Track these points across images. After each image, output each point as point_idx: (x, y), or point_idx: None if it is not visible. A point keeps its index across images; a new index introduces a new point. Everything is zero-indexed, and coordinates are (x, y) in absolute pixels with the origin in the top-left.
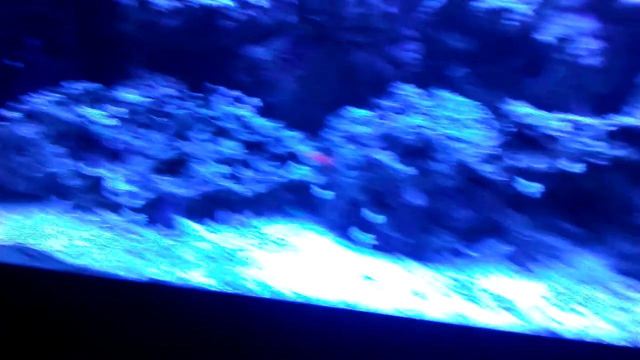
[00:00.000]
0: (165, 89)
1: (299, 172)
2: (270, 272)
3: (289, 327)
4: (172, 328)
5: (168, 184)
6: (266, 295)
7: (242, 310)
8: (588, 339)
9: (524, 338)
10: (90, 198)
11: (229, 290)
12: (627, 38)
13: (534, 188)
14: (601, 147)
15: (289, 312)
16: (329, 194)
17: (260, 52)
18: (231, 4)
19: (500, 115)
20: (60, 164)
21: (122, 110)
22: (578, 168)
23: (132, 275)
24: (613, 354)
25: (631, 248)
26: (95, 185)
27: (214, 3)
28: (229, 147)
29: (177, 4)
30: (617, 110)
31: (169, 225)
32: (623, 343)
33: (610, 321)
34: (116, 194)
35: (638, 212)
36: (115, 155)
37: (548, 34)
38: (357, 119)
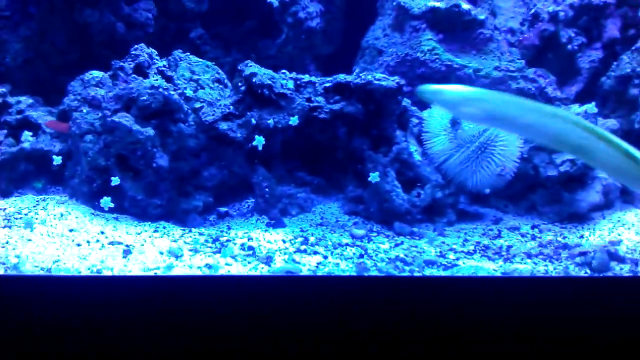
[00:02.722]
0: None
1: (31, 140)
2: (10, 249)
3: (33, 303)
4: None
5: None
6: (5, 272)
7: None
8: (321, 273)
9: (265, 279)
10: None
11: None
12: (342, 2)
13: (257, 141)
14: (320, 102)
15: (31, 287)
16: (58, 160)
17: None
18: None
19: (234, 74)
20: None
21: None
22: (293, 121)
23: None
24: (341, 282)
25: (355, 191)
26: None
27: None
28: None
29: None
30: (338, 68)
31: None
32: (351, 273)
33: (339, 256)
34: None
35: (359, 159)
36: None
37: None
38: (91, 81)
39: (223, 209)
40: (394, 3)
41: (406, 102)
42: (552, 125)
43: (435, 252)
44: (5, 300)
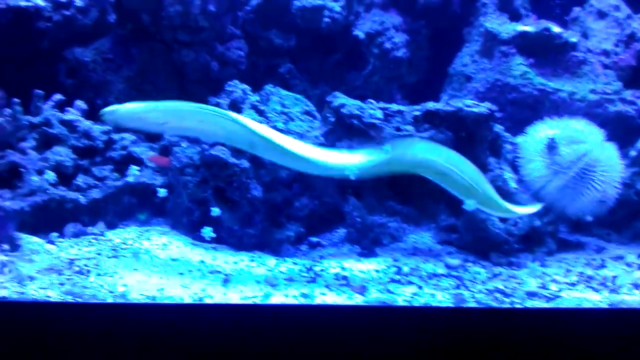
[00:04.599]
0: None
1: (136, 175)
2: (117, 278)
3: (140, 330)
4: (15, 344)
5: None
6: (114, 300)
7: (86, 319)
8: (417, 304)
9: (360, 310)
10: None
11: (69, 299)
12: (428, 30)
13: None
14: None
15: (138, 315)
16: (163, 192)
17: (82, 53)
18: (42, 4)
19: (322, 106)
20: None
21: None
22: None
23: None
24: (438, 315)
25: (448, 220)
26: None
27: (23, 4)
28: (58, 154)
29: None
30: (426, 96)
31: (1, 239)
32: (448, 304)
33: (435, 287)
34: None
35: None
36: None
37: (360, 30)
38: None
39: (314, 239)
40: (481, 29)
41: (498, 128)
42: (227, 127)
43: (536, 283)
44: (113, 327)
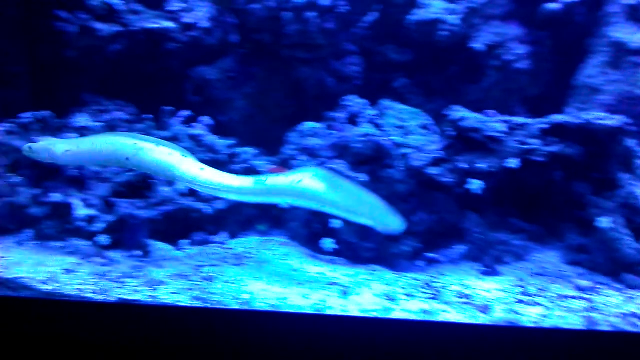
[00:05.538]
0: (116, 112)
1: None
2: (239, 285)
3: (263, 337)
4: (146, 346)
5: (129, 206)
6: (237, 307)
7: (214, 324)
8: (545, 325)
9: (485, 329)
10: (52, 225)
11: (199, 304)
12: (551, 42)
13: (475, 185)
14: (537, 144)
15: (262, 321)
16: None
17: (207, 72)
18: (172, 25)
19: (441, 120)
20: (19, 192)
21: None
22: (514, 163)
23: (100, 297)
24: (569, 337)
25: (577, 239)
26: (55, 212)
27: (154, 26)
28: None
29: (119, 29)
30: (548, 109)
31: (134, 246)
32: (578, 327)
33: (564, 309)
34: (77, 219)
35: (580, 204)
36: (72, 180)
37: (479, 42)
38: (308, 132)
39: (431, 255)
40: (609, 39)
41: (631, 142)
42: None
43: None
44: (237, 332)
